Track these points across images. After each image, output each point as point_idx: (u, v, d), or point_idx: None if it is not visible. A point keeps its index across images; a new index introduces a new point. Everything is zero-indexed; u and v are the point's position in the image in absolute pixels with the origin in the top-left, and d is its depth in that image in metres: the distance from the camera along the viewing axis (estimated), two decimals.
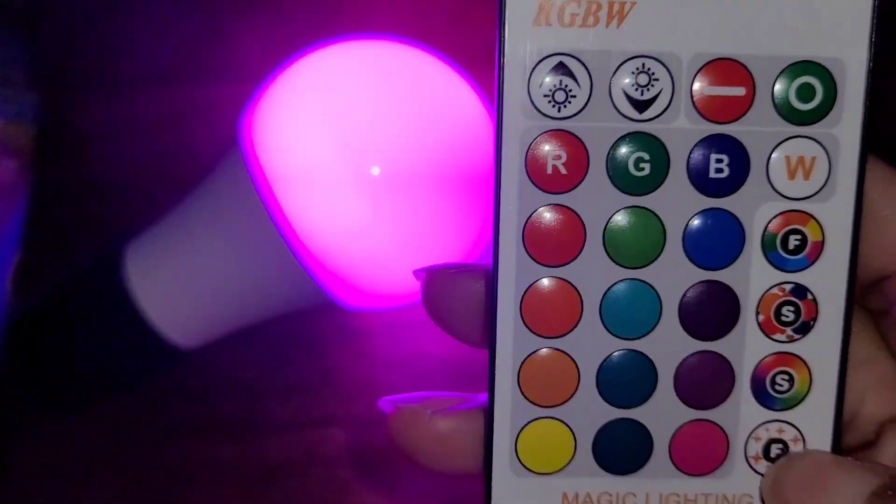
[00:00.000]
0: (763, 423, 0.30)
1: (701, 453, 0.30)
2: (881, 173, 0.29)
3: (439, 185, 0.45)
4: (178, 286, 0.48)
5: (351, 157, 0.44)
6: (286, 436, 0.54)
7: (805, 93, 0.28)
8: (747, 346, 0.29)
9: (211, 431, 0.54)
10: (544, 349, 0.29)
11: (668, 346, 0.29)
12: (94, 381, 0.52)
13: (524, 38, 0.27)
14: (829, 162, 0.28)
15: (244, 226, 0.46)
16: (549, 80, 0.27)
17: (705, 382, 0.29)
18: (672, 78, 0.28)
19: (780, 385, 0.29)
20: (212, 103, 0.57)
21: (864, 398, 0.30)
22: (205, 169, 0.50)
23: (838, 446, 0.30)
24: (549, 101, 0.28)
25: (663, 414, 0.29)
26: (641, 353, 0.29)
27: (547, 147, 0.28)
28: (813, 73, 0.28)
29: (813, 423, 0.29)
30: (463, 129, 0.47)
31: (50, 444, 0.54)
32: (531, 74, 0.27)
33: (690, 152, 0.28)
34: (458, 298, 0.31)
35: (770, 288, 0.29)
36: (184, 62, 0.58)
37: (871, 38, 0.27)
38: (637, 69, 0.27)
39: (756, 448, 0.30)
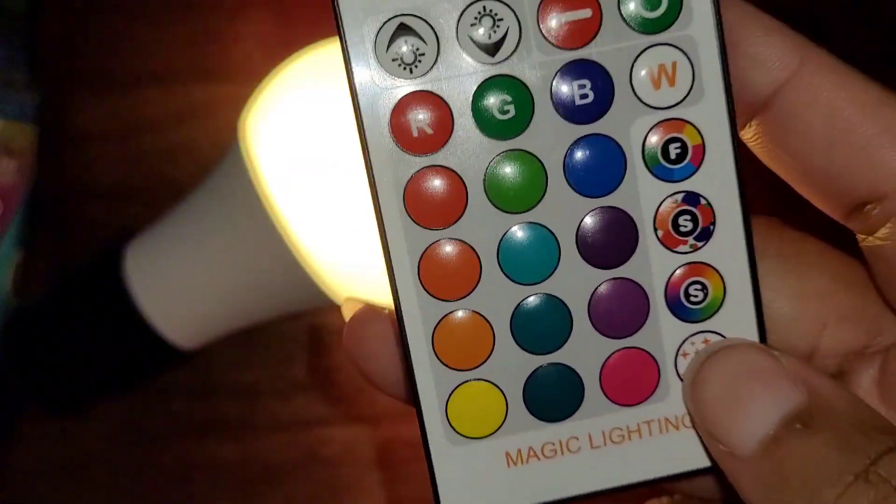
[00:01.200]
0: (687, 338, 0.29)
1: (633, 382, 0.29)
2: (866, 91, 0.28)
3: None
4: (177, 286, 0.48)
5: (350, 156, 0.44)
6: (286, 435, 0.54)
7: (651, 0, 0.27)
8: (653, 265, 0.29)
9: (211, 431, 0.54)
10: (453, 312, 0.28)
11: (575, 282, 0.29)
12: (94, 380, 0.52)
13: (360, 6, 0.27)
14: (691, 63, 0.28)
15: (244, 226, 0.46)
16: (394, 44, 0.27)
17: (620, 310, 0.29)
18: (516, 14, 0.27)
19: (695, 296, 0.29)
20: (212, 103, 0.57)
21: (822, 332, 0.30)
22: (205, 169, 0.50)
23: (764, 341, 0.29)
24: (399, 65, 0.27)
25: (586, 351, 0.29)
26: (550, 295, 0.29)
27: (407, 110, 0.27)
28: None
29: (736, 325, 0.29)
30: None
31: (50, 444, 0.55)
32: (376, 42, 0.27)
33: (551, 84, 0.27)
34: (373, 346, 0.30)
35: (662, 201, 0.28)
36: (184, 62, 0.58)
37: None
38: (479, 13, 0.27)
39: (686, 364, 0.29)
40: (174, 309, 0.49)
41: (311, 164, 0.45)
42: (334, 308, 0.49)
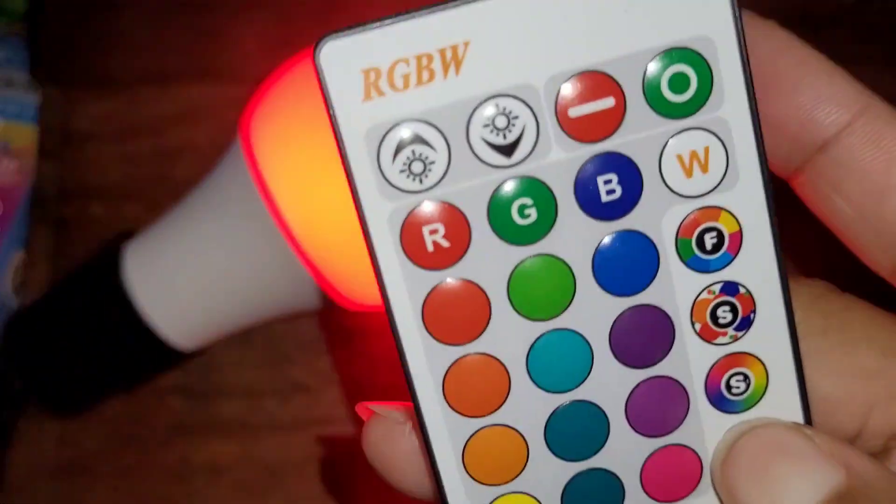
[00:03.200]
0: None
1: (675, 478, 0.28)
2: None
3: None
4: (177, 286, 0.48)
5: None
6: (286, 435, 0.54)
7: (678, 82, 0.25)
8: (692, 359, 0.27)
9: (210, 431, 0.54)
10: (483, 429, 0.27)
11: (610, 385, 0.27)
12: (93, 381, 0.52)
13: (359, 118, 0.25)
14: (724, 147, 0.26)
15: (244, 226, 0.46)
16: (400, 155, 0.25)
17: (659, 409, 0.28)
18: (532, 110, 0.25)
19: (737, 387, 0.28)
20: (211, 103, 0.57)
21: (871, 411, 0.28)
22: (204, 169, 0.50)
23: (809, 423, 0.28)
24: (407, 175, 0.25)
25: (625, 453, 0.28)
26: (585, 401, 0.27)
27: (420, 223, 0.25)
28: (681, 58, 0.25)
29: (780, 413, 0.28)
30: None
31: (49, 444, 0.55)
32: (379, 153, 0.25)
33: (575, 182, 0.26)
34: (399, 461, 0.30)
35: (699, 294, 0.27)
36: (183, 62, 0.58)
37: (733, 4, 0.25)
38: (492, 112, 0.25)
39: None
40: (174, 309, 0.49)
41: (310, 163, 0.45)
42: (334, 308, 0.49)
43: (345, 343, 0.55)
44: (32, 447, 0.55)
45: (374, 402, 0.31)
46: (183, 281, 0.48)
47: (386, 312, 0.26)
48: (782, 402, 0.28)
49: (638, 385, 0.27)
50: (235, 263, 0.47)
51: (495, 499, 0.28)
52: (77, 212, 0.57)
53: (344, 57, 0.24)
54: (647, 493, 0.28)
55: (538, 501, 0.28)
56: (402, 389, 0.54)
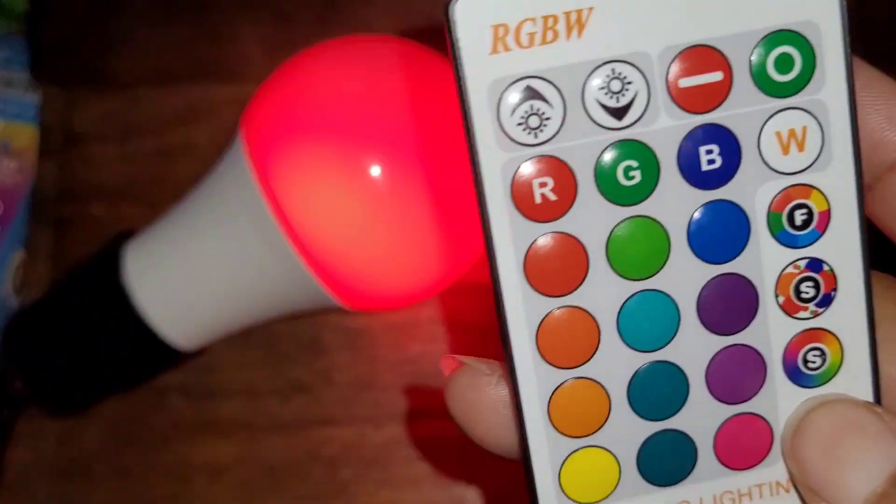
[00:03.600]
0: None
1: (746, 446, 0.29)
2: None
3: (440, 185, 0.45)
4: (177, 286, 0.48)
5: (351, 157, 0.44)
6: (286, 435, 0.54)
7: (784, 63, 0.26)
8: (772, 331, 0.28)
9: (211, 431, 0.54)
10: (569, 380, 0.28)
11: (694, 348, 0.28)
12: (93, 381, 0.52)
13: (485, 70, 0.26)
14: (821, 128, 0.27)
15: (244, 226, 0.46)
16: (519, 108, 0.26)
17: (738, 376, 0.28)
18: (645, 77, 0.26)
19: (813, 362, 0.28)
20: (211, 103, 0.58)
21: None
22: (205, 169, 0.50)
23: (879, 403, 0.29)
24: (524, 129, 0.26)
25: (701, 417, 0.29)
26: (668, 362, 0.28)
27: (531, 176, 0.26)
28: (788, 41, 0.26)
29: (851, 391, 0.29)
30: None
31: (49, 444, 0.55)
32: (499, 105, 0.26)
33: (678, 149, 0.27)
34: (481, 412, 0.30)
35: (785, 268, 0.28)
36: (184, 63, 0.58)
37: None
38: (608, 76, 0.26)
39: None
40: (174, 309, 0.49)
41: (311, 163, 0.45)
42: (334, 308, 0.49)
43: (345, 343, 0.55)
44: (32, 447, 0.55)
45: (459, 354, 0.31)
46: (183, 281, 0.48)
47: (488, 260, 0.27)
48: (854, 380, 0.29)
49: (719, 351, 0.28)
50: (235, 263, 0.47)
51: (574, 451, 0.28)
52: (77, 211, 0.57)
53: (476, 11, 0.25)
54: (718, 458, 0.29)
55: (615, 457, 0.29)
56: (402, 388, 0.54)
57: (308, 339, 0.55)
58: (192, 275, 0.48)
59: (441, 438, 0.54)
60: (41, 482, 0.54)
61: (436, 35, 0.56)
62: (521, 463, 0.29)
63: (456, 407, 0.30)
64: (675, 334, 0.28)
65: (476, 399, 0.30)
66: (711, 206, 0.27)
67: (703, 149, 0.27)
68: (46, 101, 0.59)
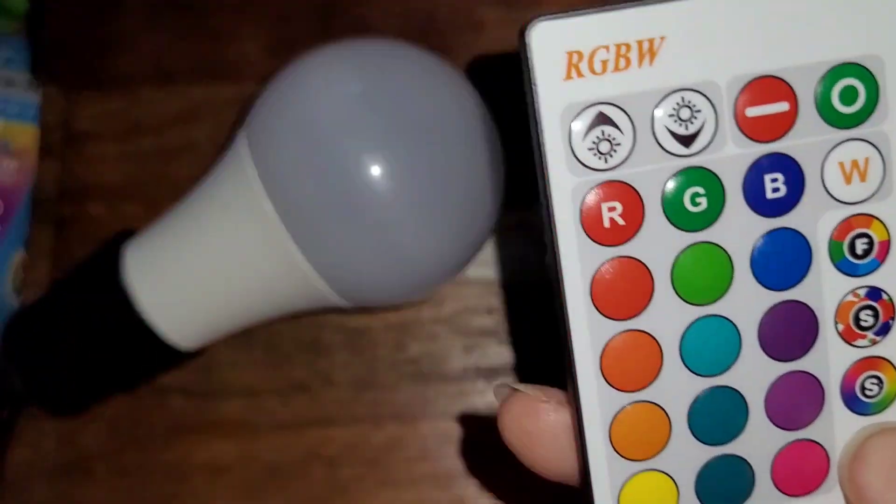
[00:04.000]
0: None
1: (803, 473, 0.29)
2: None
3: (440, 185, 0.45)
4: (177, 286, 0.48)
5: (351, 157, 0.44)
6: (286, 435, 0.54)
7: (848, 95, 0.27)
8: (831, 358, 0.29)
9: (211, 431, 0.55)
10: (631, 404, 0.28)
11: (754, 374, 0.28)
12: (93, 381, 0.52)
13: (558, 96, 0.26)
14: (883, 159, 0.27)
15: (244, 225, 0.46)
16: (591, 133, 0.27)
17: (796, 403, 0.29)
18: (713, 106, 0.27)
19: (870, 389, 0.29)
20: (212, 103, 0.58)
21: None
22: (205, 169, 0.50)
23: None
24: (595, 154, 0.27)
25: (760, 442, 0.29)
26: (729, 387, 0.28)
27: (600, 200, 0.27)
28: (853, 74, 0.27)
29: None
30: (464, 130, 0.47)
31: (49, 444, 0.54)
32: (571, 130, 0.27)
33: (744, 177, 0.27)
34: (538, 439, 0.30)
35: (845, 296, 0.28)
36: (184, 63, 0.58)
37: None
38: (678, 104, 0.27)
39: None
40: (174, 309, 0.49)
41: (312, 164, 0.45)
42: (335, 307, 0.49)
43: (345, 343, 0.55)
44: (32, 447, 0.54)
45: (512, 382, 0.31)
46: (183, 280, 0.48)
47: (554, 282, 0.28)
48: None
49: (779, 377, 0.29)
50: (236, 263, 0.47)
51: (634, 474, 0.29)
52: (77, 211, 0.57)
53: (552, 37, 0.26)
54: (775, 484, 0.29)
55: (674, 481, 0.29)
56: (403, 387, 0.54)
57: (308, 339, 0.55)
58: (193, 274, 0.48)
59: (441, 439, 0.54)
60: (41, 481, 0.54)
61: (435, 37, 0.57)
62: (580, 486, 0.29)
63: (512, 434, 0.30)
64: (736, 360, 0.28)
65: (533, 426, 0.30)
66: (775, 234, 0.28)
67: (768, 177, 0.27)
68: (47, 100, 0.58)
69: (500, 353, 0.54)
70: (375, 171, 0.44)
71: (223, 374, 0.55)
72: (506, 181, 0.49)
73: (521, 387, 0.30)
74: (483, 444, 0.54)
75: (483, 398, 0.54)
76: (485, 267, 0.55)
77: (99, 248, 0.52)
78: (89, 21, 0.59)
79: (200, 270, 0.48)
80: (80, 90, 0.58)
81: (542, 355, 0.54)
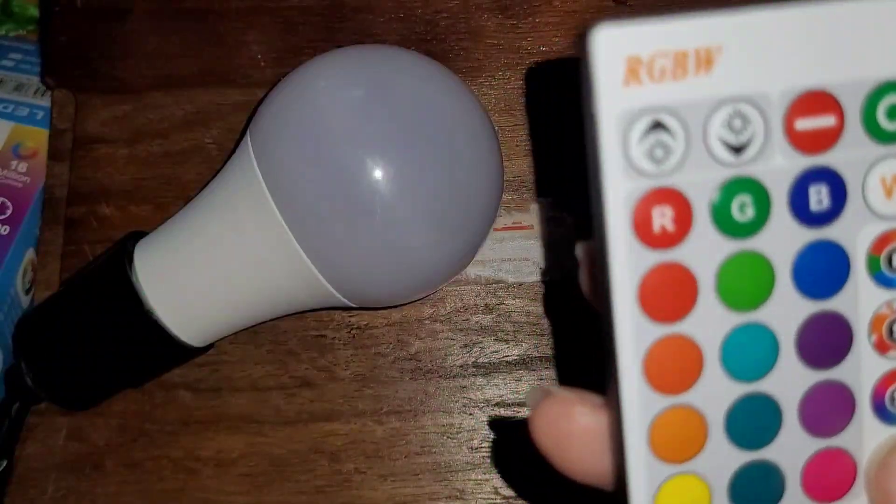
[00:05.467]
0: None
1: (832, 480, 0.29)
2: None
3: (442, 187, 0.46)
4: (186, 285, 0.49)
5: (354, 158, 0.45)
6: (292, 430, 0.55)
7: (893, 112, 0.27)
8: (864, 368, 0.29)
9: (218, 426, 0.55)
10: (671, 406, 0.28)
11: (790, 381, 0.29)
12: (103, 378, 0.52)
13: (617, 101, 0.26)
14: None
15: (251, 226, 0.47)
16: (646, 139, 0.27)
17: (828, 411, 0.29)
18: (764, 117, 0.27)
19: None
20: (219, 107, 0.59)
21: None
22: (211, 171, 0.50)
23: None
24: (649, 159, 0.27)
25: (792, 449, 0.29)
26: (765, 394, 0.29)
27: (652, 205, 0.27)
28: None
29: None
30: (465, 133, 0.47)
31: (59, 439, 0.55)
32: (628, 135, 0.27)
33: (791, 188, 0.27)
34: (573, 442, 0.30)
35: (879, 307, 0.29)
36: (191, 68, 0.59)
37: None
38: (731, 114, 0.27)
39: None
40: (183, 307, 0.49)
41: (314, 164, 0.45)
42: (339, 306, 0.50)
43: (348, 340, 0.56)
44: (42, 441, 0.55)
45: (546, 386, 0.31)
46: (192, 280, 0.49)
47: (601, 284, 0.28)
48: None
49: (813, 385, 0.29)
50: (243, 263, 0.48)
51: (670, 477, 0.29)
52: (87, 213, 0.58)
53: (613, 43, 0.26)
54: (804, 490, 0.29)
55: (708, 485, 0.29)
56: (405, 385, 0.55)
57: (313, 337, 0.56)
58: (201, 274, 0.49)
59: (441, 433, 0.55)
60: (51, 476, 0.54)
61: (435, 43, 0.58)
62: (616, 487, 0.29)
63: (545, 436, 0.30)
64: (773, 367, 0.29)
65: (569, 428, 0.30)
66: (816, 245, 0.28)
67: (813, 189, 0.28)
68: (57, 104, 0.59)
69: (499, 350, 0.55)
70: (378, 173, 0.44)
71: (230, 370, 0.56)
72: (505, 182, 0.51)
73: (556, 389, 0.31)
74: (482, 438, 0.55)
75: (482, 394, 0.55)
76: (484, 266, 0.56)
77: (109, 249, 0.52)
78: (99, 27, 0.59)
79: (208, 270, 0.48)
80: (90, 94, 0.59)
81: (541, 352, 0.55)
